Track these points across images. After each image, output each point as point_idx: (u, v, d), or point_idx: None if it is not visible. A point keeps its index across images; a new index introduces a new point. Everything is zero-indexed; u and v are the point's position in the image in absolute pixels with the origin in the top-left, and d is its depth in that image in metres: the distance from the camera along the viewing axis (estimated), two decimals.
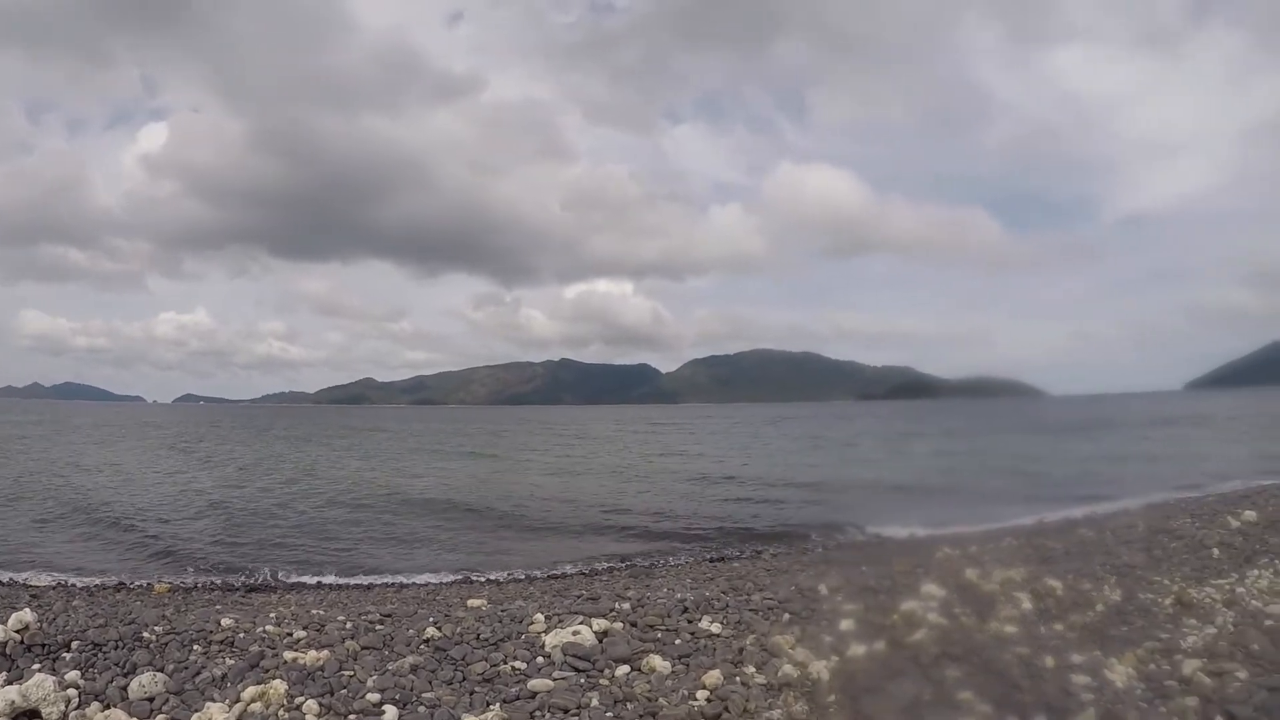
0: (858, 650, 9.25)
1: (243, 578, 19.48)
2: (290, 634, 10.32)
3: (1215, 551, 14.35)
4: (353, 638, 10.13)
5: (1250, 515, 17.68)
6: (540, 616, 10.79)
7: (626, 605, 11.74)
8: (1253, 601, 10.67)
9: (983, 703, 7.52)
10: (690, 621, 10.78)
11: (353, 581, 19.29)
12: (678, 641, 9.86)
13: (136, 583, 18.69)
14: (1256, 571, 12.30)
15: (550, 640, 9.43)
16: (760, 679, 8.29)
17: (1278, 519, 17.44)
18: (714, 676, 8.14)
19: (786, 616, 11.16)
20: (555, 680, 8.25)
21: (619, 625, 10.25)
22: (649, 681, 8.26)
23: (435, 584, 18.92)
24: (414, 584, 18.92)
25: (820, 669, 8.52)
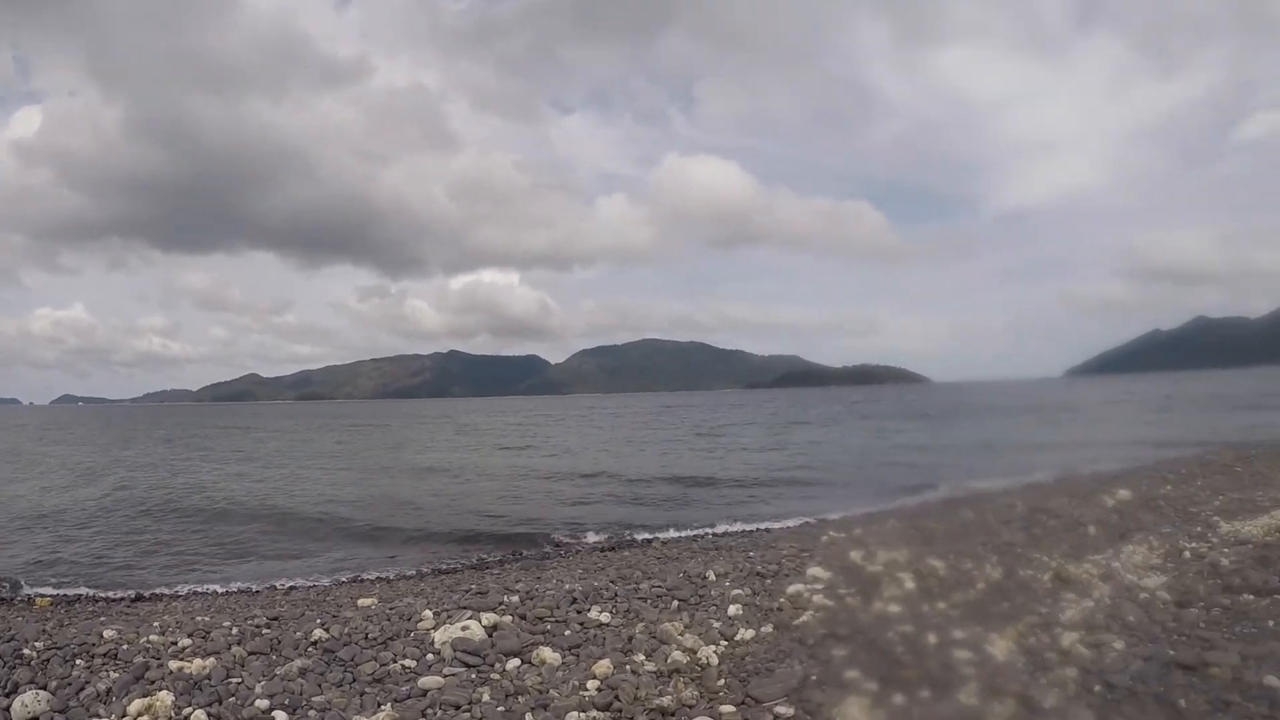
0: (746, 634, 9.40)
1: (124, 589, 18.87)
2: (175, 643, 10.05)
3: (1092, 529, 14.81)
4: (239, 643, 9.94)
5: (1124, 494, 18.27)
6: (429, 613, 10.69)
7: (515, 598, 11.71)
8: (1128, 576, 11.04)
9: (868, 680, 7.67)
10: (579, 612, 10.80)
11: (238, 587, 18.82)
12: (567, 632, 9.87)
13: (17, 597, 18.10)
14: (1131, 547, 12.71)
15: (440, 636, 9.34)
16: (650, 666, 8.34)
17: (1151, 497, 18.04)
18: (604, 666, 8.17)
19: (675, 603, 11.26)
20: (446, 677, 8.18)
21: (508, 618, 10.20)
22: (540, 674, 8.25)
23: (325, 584, 18.67)
24: (302, 586, 18.63)
25: (709, 654, 8.62)
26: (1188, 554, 12.14)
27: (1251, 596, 9.77)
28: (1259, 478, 20.20)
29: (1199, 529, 13.96)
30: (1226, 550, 12.18)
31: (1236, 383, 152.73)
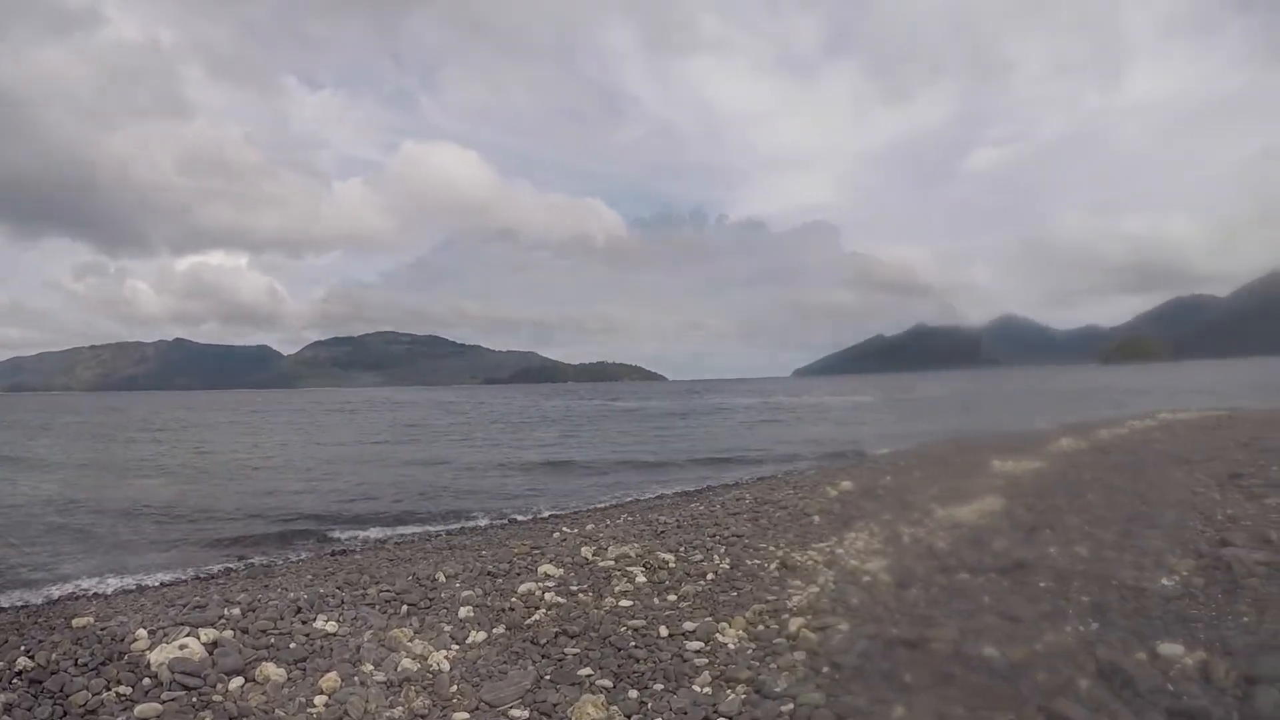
0: (478, 636, 9.31)
1: None
2: None
3: (816, 519, 15.45)
4: None
5: (847, 485, 19.10)
6: (143, 632, 9.97)
7: (236, 610, 11.07)
8: (851, 561, 11.59)
9: (602, 677, 7.76)
10: (305, 622, 10.33)
11: None
12: (292, 645, 9.42)
13: None
14: (854, 534, 13.36)
15: (156, 657, 8.77)
16: (380, 676, 8.11)
17: (871, 488, 18.87)
18: (331, 679, 7.88)
19: (405, 608, 11.00)
20: (164, 703, 7.68)
21: (229, 633, 9.66)
22: (264, 692, 7.89)
23: (36, 605, 17.54)
24: (10, 606, 17.45)
25: (441, 659, 8.49)
26: (907, 538, 12.81)
27: (967, 575, 10.41)
28: (970, 467, 21.36)
29: (917, 515, 14.70)
30: (943, 534, 12.92)
31: (951, 383, 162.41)
